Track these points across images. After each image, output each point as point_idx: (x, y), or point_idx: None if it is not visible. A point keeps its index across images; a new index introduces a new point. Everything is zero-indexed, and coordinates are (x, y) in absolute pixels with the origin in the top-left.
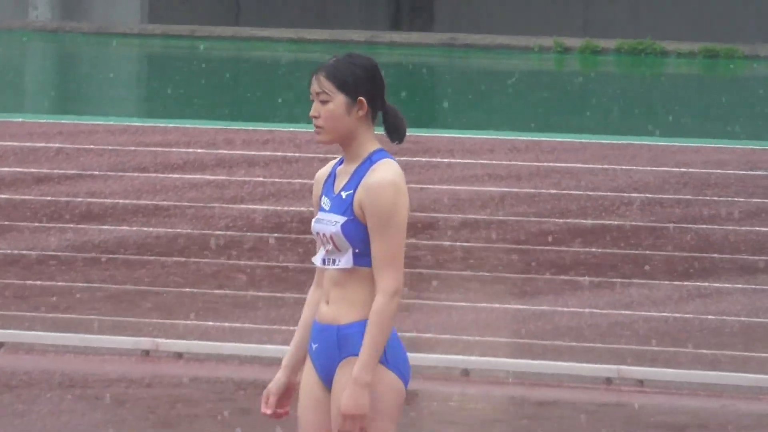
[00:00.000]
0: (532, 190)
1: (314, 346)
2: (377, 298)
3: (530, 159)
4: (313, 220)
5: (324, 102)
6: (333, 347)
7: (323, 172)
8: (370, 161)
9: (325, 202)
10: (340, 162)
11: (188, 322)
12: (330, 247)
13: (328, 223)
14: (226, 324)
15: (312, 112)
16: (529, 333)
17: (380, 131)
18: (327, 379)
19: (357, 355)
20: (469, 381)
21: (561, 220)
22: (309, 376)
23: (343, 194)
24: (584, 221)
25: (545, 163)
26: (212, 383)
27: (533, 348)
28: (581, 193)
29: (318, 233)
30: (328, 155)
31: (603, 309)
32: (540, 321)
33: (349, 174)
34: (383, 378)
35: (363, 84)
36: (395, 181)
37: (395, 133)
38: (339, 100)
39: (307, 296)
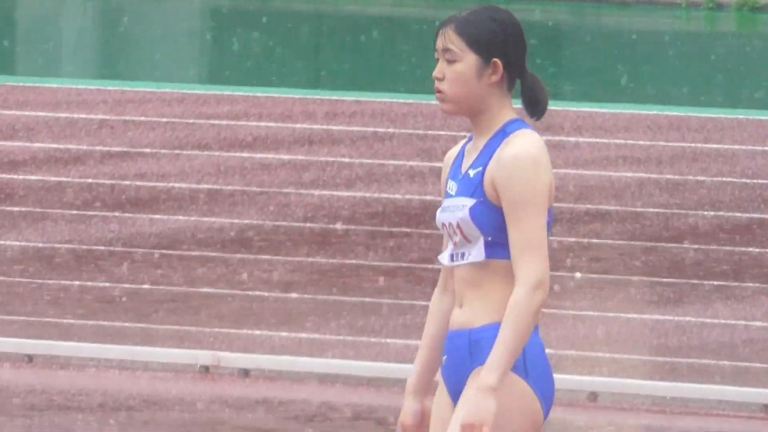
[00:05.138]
0: (676, 177)
1: (444, 359)
2: (515, 290)
3: (674, 139)
4: (439, 210)
5: (451, 62)
6: (464, 356)
7: (452, 153)
8: (503, 133)
9: (451, 187)
10: (470, 140)
11: (257, 332)
12: (458, 238)
13: (454, 209)
14: (303, 335)
15: (435, 73)
16: (670, 349)
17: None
18: (456, 395)
19: None
20: (597, 406)
21: (711, 213)
22: (439, 397)
23: (471, 173)
24: (739, 215)
25: (693, 144)
26: (285, 406)
27: (676, 368)
28: (736, 180)
29: (444, 224)
30: (428, 131)
31: (762, 321)
32: (684, 335)
33: (479, 150)
34: (521, 394)
35: (500, 42)
36: (534, 153)
37: (535, 105)
38: (469, 60)
39: (430, 305)
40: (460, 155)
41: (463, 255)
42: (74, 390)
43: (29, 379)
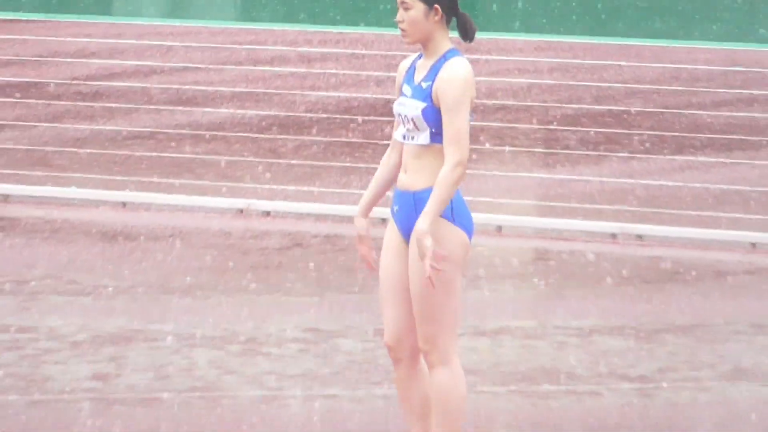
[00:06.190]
0: (554, 82)
1: (395, 208)
2: (444, 167)
3: (552, 56)
4: (395, 102)
5: (407, 9)
6: (411, 209)
7: (405, 63)
8: (444, 58)
9: (406, 89)
10: (420, 57)
11: (275, 186)
12: (410, 126)
13: (410, 107)
14: (305, 188)
15: (397, 18)
16: (550, 197)
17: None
18: (407, 235)
19: None
20: (501, 235)
21: (577, 106)
22: (392, 233)
23: (423, 84)
24: (596, 107)
25: (564, 60)
26: (294, 235)
27: (554, 209)
28: (594, 84)
29: (400, 114)
30: (388, 53)
31: (610, 177)
32: (560, 187)
33: (428, 68)
34: (452, 233)
35: None
36: (464, 75)
37: (466, 34)
38: (418, 7)
39: (382, 158)
40: (413, 67)
41: (413, 137)
42: (153, 225)
43: (124, 219)
